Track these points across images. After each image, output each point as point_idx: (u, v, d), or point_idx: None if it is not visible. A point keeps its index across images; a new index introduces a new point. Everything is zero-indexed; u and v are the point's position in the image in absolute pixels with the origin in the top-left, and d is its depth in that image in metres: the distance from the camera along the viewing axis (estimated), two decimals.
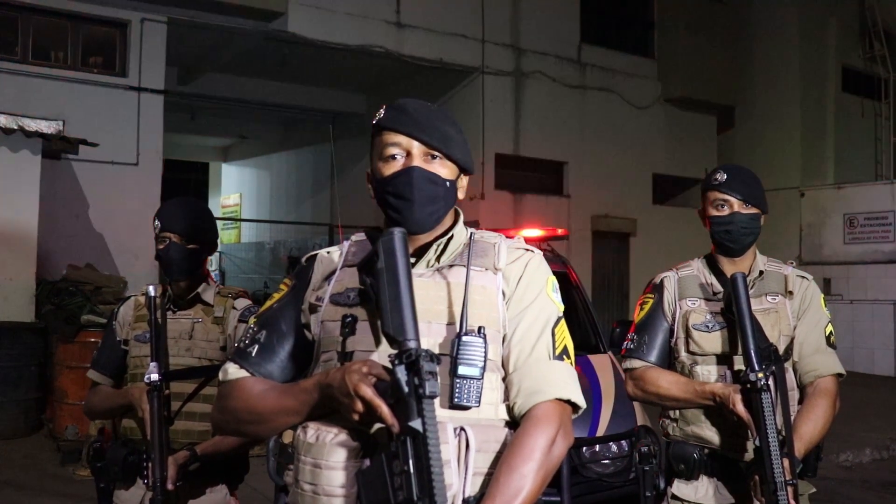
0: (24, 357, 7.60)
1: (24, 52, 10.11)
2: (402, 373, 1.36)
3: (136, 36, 10.57)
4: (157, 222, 2.68)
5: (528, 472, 1.53)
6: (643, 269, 14.06)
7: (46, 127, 8.41)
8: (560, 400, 1.63)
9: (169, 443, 2.50)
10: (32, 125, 8.32)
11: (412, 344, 1.39)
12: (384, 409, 1.38)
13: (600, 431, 4.40)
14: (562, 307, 1.75)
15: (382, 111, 1.70)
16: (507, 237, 1.80)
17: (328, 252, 1.81)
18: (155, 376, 2.45)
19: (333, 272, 1.74)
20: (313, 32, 11.45)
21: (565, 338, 1.71)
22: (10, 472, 6.56)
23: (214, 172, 21.05)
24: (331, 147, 14.92)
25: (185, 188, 16.85)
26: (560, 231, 6.92)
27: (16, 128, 8.16)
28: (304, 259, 1.84)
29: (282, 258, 16.55)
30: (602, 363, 5.13)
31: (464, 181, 1.76)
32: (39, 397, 7.78)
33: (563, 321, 1.73)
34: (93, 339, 7.22)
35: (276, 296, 1.81)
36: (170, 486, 2.43)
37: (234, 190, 20.00)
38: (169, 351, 2.65)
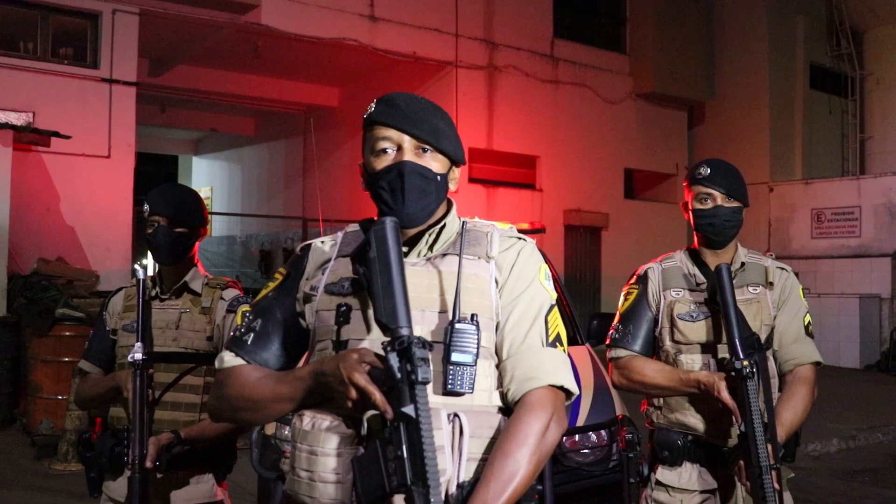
0: None
1: None
2: (394, 359, 1.39)
3: (108, 27, 10.44)
4: (145, 206, 2.72)
5: (523, 457, 1.55)
6: (615, 263, 14.21)
7: (16, 118, 8.34)
8: (553, 386, 1.65)
9: (151, 424, 2.51)
10: (2, 117, 8.23)
11: (404, 331, 1.42)
12: (377, 396, 1.41)
13: (580, 421, 4.45)
14: (554, 295, 1.77)
15: (373, 105, 1.71)
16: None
17: (322, 242, 1.82)
18: (139, 355, 2.45)
19: (328, 262, 1.75)
20: (286, 25, 11.39)
21: (558, 325, 1.73)
22: None
23: (185, 165, 20.85)
24: (312, 140, 14.85)
25: (155, 181, 16.67)
26: (538, 224, 6.96)
27: None
28: (298, 248, 1.86)
29: (253, 252, 16.45)
30: (580, 355, 5.17)
31: (455, 173, 1.78)
32: (12, 392, 7.69)
33: (555, 309, 1.75)
34: (68, 333, 7.15)
35: (272, 284, 1.82)
36: (148, 464, 2.42)
37: (205, 183, 19.81)
38: (155, 340, 2.66)
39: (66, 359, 6.97)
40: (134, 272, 2.61)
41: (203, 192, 19.62)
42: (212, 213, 18.51)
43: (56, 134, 8.71)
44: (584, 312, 11.70)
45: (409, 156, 1.67)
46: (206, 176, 19.92)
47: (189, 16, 10.83)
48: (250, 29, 11.38)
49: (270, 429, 3.80)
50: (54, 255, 9.15)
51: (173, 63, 13.01)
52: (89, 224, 9.96)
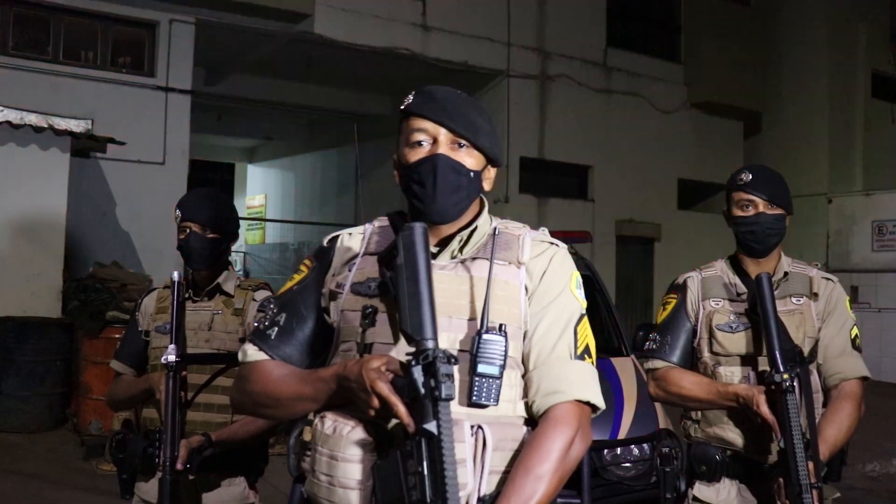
0: (50, 352, 7.68)
1: (54, 52, 10.25)
2: (418, 373, 1.36)
3: (165, 36, 10.68)
4: (177, 212, 2.72)
5: (545, 473, 1.51)
6: (668, 274, 13.95)
7: (75, 126, 8.51)
8: (579, 401, 1.61)
9: (183, 426, 2.51)
10: (62, 124, 8.43)
11: (430, 344, 1.38)
12: (400, 408, 1.38)
13: (622, 434, 4.37)
14: (585, 304, 1.72)
15: (411, 96, 1.68)
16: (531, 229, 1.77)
17: (350, 234, 1.79)
18: (172, 357, 2.46)
19: (354, 258, 1.72)
20: (339, 34, 11.50)
21: (587, 336, 1.68)
22: (35, 465, 6.64)
23: (240, 173, 21.19)
24: (356, 147, 14.94)
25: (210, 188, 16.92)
26: (579, 232, 6.87)
27: (46, 126, 8.27)
28: (325, 240, 1.82)
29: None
30: (624, 366, 5.11)
31: (490, 172, 1.73)
32: (64, 392, 7.86)
33: (585, 319, 1.70)
34: (117, 336, 7.24)
35: (297, 277, 1.79)
36: (178, 466, 2.43)
37: (260, 191, 20.11)
38: (188, 342, 2.66)
39: None
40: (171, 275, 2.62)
41: (257, 200, 19.93)
42: (265, 220, 18.81)
43: (112, 140, 8.91)
44: (635, 324, 11.52)
45: (443, 149, 1.63)
46: (260, 183, 20.20)
47: (243, 25, 10.99)
48: (303, 38, 11.51)
49: (308, 435, 3.83)
50: (109, 259, 9.34)
51: (228, 72, 13.23)
52: (143, 229, 10.17)
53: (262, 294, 2.78)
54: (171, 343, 2.50)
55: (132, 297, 8.22)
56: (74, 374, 7.78)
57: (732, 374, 2.56)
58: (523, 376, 1.64)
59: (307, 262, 1.81)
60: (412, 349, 1.40)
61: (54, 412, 7.81)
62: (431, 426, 1.32)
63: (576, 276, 1.72)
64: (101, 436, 7.04)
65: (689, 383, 2.60)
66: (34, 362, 7.60)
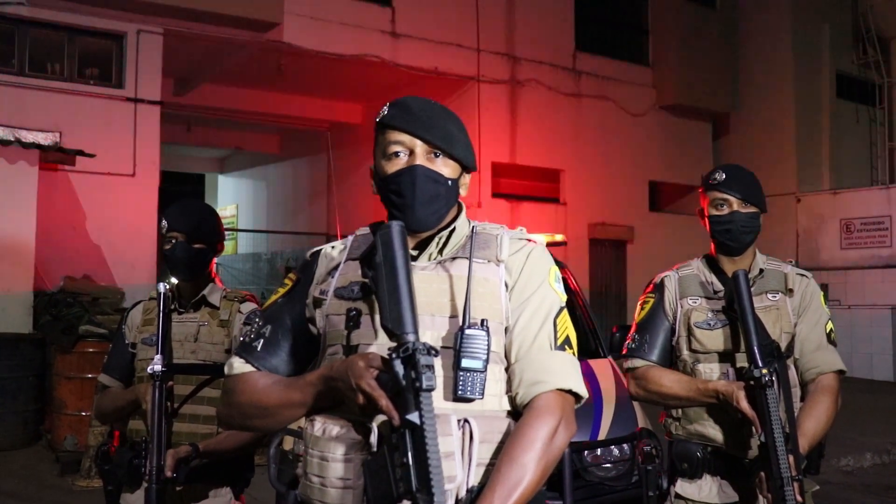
0: (22, 368, 7.58)
1: (20, 65, 10.10)
2: (399, 366, 1.38)
3: (133, 47, 10.57)
4: (163, 222, 2.74)
5: (529, 462, 1.54)
6: (640, 276, 14.07)
7: (43, 138, 8.43)
8: (562, 390, 1.63)
9: (169, 436, 2.51)
10: (29, 137, 8.34)
11: (410, 337, 1.40)
12: (383, 402, 1.40)
13: (602, 435, 4.40)
14: (564, 297, 1.75)
15: (386, 108, 1.71)
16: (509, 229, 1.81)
17: (332, 247, 1.82)
18: (158, 367, 2.46)
19: (337, 266, 1.75)
20: (309, 42, 11.46)
21: (567, 328, 1.72)
22: (10, 483, 6.54)
23: (211, 184, 21.02)
24: (330, 156, 14.89)
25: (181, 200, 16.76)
26: (559, 237, 6.91)
27: (12, 139, 8.17)
28: (308, 254, 1.85)
29: (279, 269, 16.52)
30: (602, 368, 5.14)
31: (466, 178, 1.77)
32: (38, 408, 7.76)
33: (565, 311, 1.73)
34: (91, 350, 7.20)
35: (281, 290, 1.82)
36: (168, 473, 2.43)
37: (231, 201, 19.96)
38: (174, 353, 2.67)
39: (90, 375, 7.01)
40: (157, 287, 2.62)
41: (229, 210, 19.77)
42: (237, 231, 18.66)
43: (81, 153, 8.81)
44: (609, 326, 11.57)
45: (420, 160, 1.67)
46: (231, 194, 20.06)
47: (212, 35, 10.92)
48: (273, 47, 11.45)
49: (288, 444, 3.80)
50: (80, 273, 9.23)
51: (197, 82, 13.12)
52: (114, 242, 10.05)
53: (248, 306, 2.78)
54: (157, 353, 2.51)
55: (104, 310, 8.14)
56: (48, 390, 7.68)
57: (711, 370, 2.60)
58: (506, 370, 1.67)
59: (292, 275, 1.84)
60: (394, 344, 1.42)
61: (28, 429, 7.70)
62: (414, 417, 1.34)
63: (554, 271, 1.76)
64: (76, 452, 6.95)
65: (669, 381, 2.63)
66: (6, 379, 7.49)
